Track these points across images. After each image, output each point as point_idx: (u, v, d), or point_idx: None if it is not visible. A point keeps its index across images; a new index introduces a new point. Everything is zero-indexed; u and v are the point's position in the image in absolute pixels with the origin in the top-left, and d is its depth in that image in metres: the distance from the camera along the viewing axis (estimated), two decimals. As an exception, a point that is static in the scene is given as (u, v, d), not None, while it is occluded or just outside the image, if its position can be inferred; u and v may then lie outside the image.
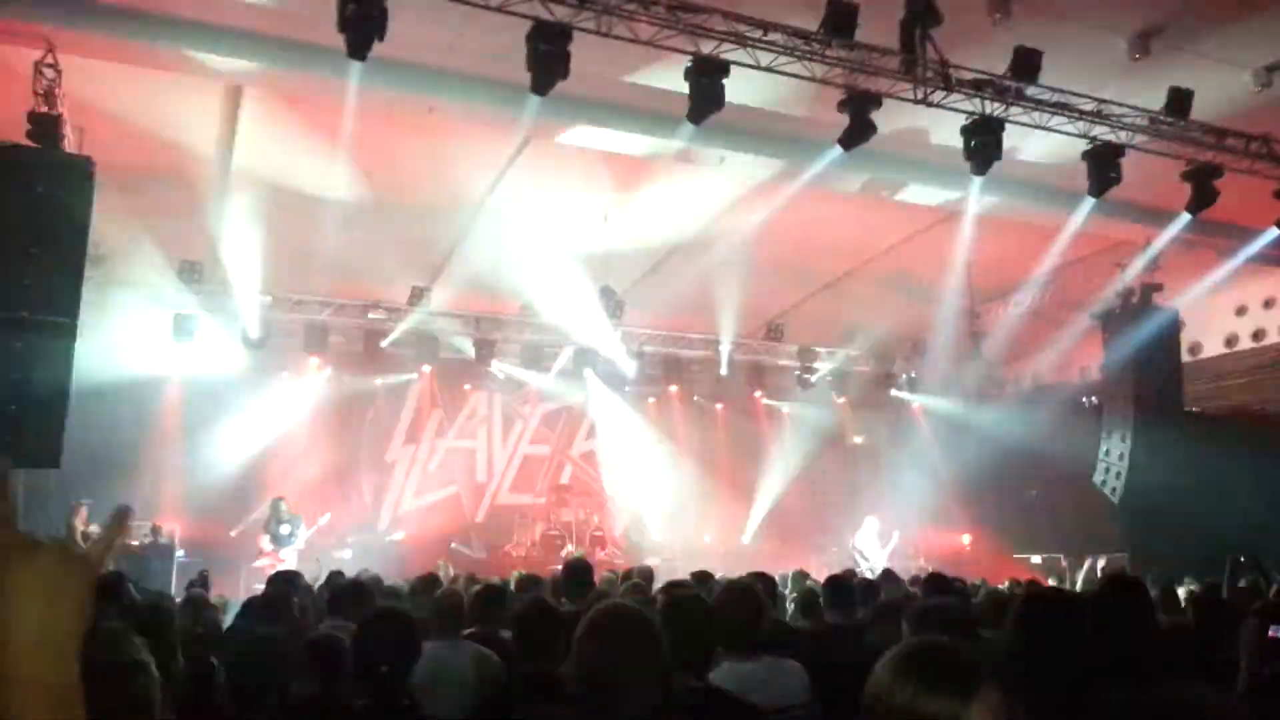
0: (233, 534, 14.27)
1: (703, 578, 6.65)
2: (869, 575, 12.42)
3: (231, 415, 14.98)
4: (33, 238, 8.48)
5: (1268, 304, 15.94)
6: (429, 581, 6.64)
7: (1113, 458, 14.32)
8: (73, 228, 8.73)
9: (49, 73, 9.05)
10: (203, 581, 8.76)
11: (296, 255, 13.58)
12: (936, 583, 5.29)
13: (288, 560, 13.21)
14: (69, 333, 8.61)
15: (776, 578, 7.37)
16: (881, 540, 15.85)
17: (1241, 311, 16.20)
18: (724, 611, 3.36)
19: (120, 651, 1.67)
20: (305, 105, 10.50)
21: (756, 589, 3.67)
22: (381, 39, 7.84)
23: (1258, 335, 16.06)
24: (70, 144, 9.37)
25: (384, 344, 16.08)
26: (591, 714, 2.27)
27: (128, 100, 10.26)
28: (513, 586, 7.15)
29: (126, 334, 14.20)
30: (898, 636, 3.72)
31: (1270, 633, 2.95)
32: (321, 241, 12.70)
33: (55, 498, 12.17)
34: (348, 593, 5.40)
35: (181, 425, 14.80)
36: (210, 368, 15.24)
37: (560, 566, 8.04)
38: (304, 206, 12.07)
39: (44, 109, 9.06)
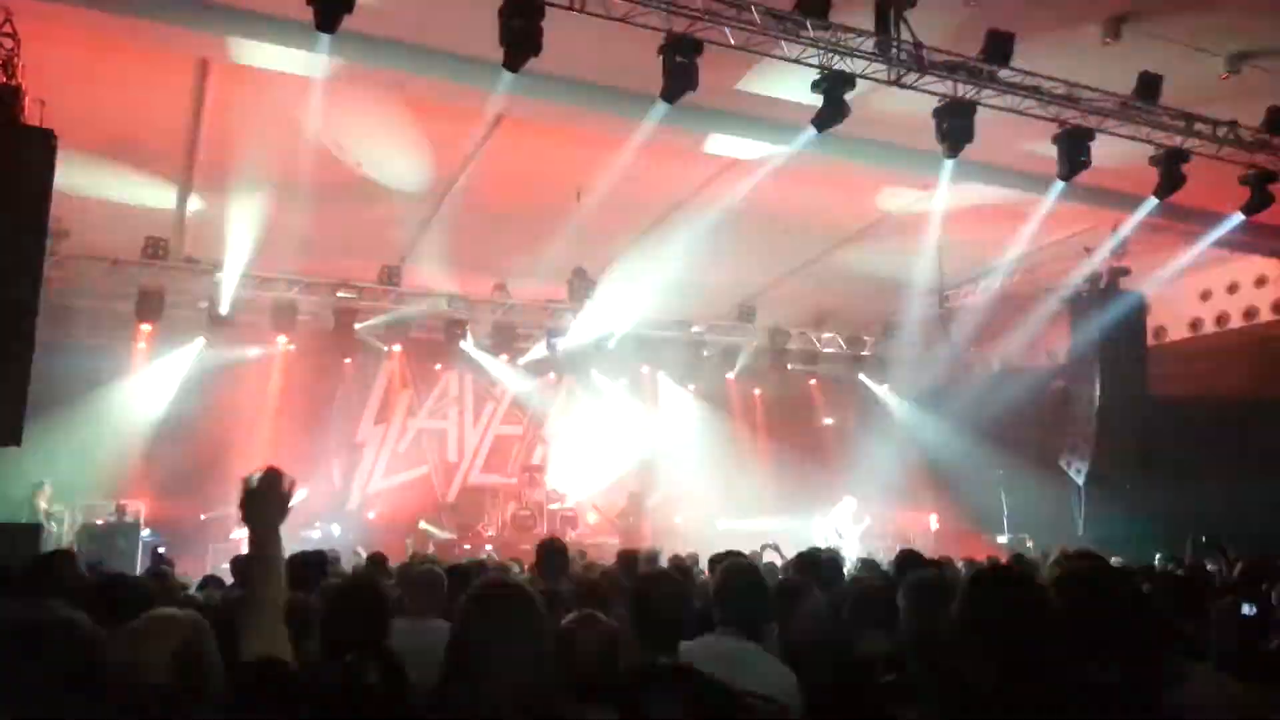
0: (203, 518, 14.05)
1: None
2: (842, 555, 12.51)
3: (197, 393, 14.78)
4: (-8, 211, 8.30)
5: (1231, 289, 16.16)
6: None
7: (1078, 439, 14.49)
8: (33, 202, 8.54)
9: (7, 41, 8.78)
10: (164, 563, 8.66)
11: (265, 232, 13.38)
12: (911, 560, 5.30)
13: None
14: (29, 309, 8.43)
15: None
16: (855, 521, 15.99)
17: (1206, 296, 16.41)
18: (724, 589, 3.34)
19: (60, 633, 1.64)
20: (274, 80, 10.31)
21: (757, 569, 3.65)
22: (350, 11, 7.72)
23: (1221, 320, 16.29)
24: (30, 116, 9.13)
25: (358, 327, 15.89)
26: (461, 685, 2.25)
27: (91, 72, 10.02)
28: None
29: (89, 311, 13.98)
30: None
31: (1244, 610, 3.00)
32: (290, 218, 12.53)
33: (15, 478, 11.97)
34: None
35: (146, 403, 14.58)
36: (175, 345, 15.02)
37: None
38: (272, 182, 11.88)
39: (2, 79, 8.82)
